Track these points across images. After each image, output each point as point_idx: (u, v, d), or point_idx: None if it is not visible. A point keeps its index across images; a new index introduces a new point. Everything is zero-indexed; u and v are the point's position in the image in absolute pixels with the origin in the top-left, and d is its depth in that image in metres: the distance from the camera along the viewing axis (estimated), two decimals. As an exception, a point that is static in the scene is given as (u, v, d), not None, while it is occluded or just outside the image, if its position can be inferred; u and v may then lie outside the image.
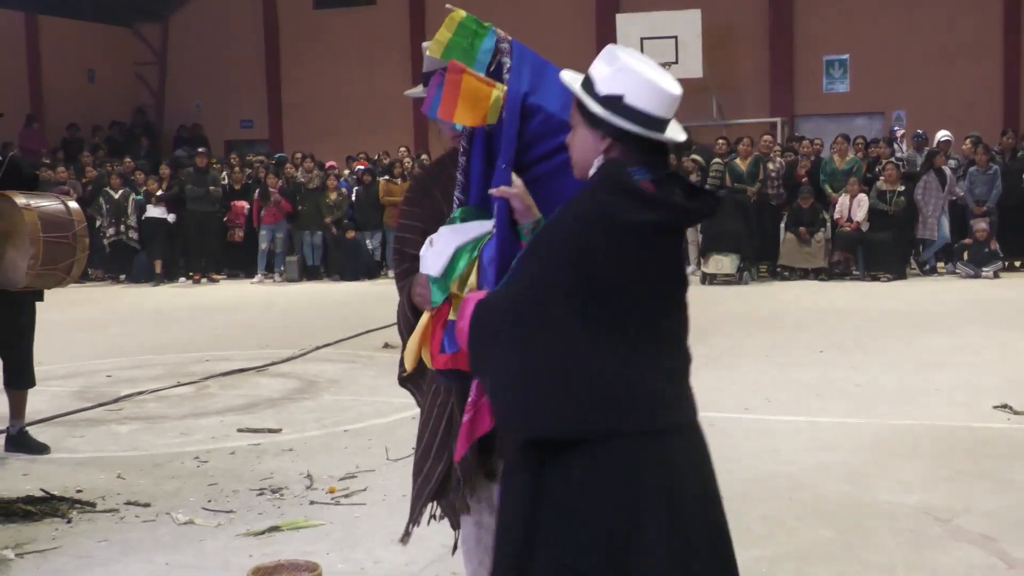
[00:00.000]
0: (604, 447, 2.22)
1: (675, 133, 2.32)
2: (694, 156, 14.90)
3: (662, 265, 2.29)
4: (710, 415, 6.09)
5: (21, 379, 5.92)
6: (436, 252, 2.64)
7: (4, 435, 6.01)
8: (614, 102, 2.27)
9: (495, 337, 2.29)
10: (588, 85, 2.33)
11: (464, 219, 2.69)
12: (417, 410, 2.99)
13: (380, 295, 13.41)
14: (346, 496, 4.96)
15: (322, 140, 20.69)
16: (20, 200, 5.41)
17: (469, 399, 2.59)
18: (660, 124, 2.29)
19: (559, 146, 2.53)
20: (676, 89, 2.31)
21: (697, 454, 2.33)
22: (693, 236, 14.90)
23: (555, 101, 2.65)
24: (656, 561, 2.19)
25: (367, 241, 15.87)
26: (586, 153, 2.35)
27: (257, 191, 16.01)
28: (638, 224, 2.22)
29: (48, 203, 5.57)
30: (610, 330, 2.22)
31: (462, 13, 2.69)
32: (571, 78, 2.39)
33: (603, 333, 2.21)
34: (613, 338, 2.22)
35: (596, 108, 2.29)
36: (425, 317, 2.70)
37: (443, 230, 2.66)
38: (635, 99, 2.27)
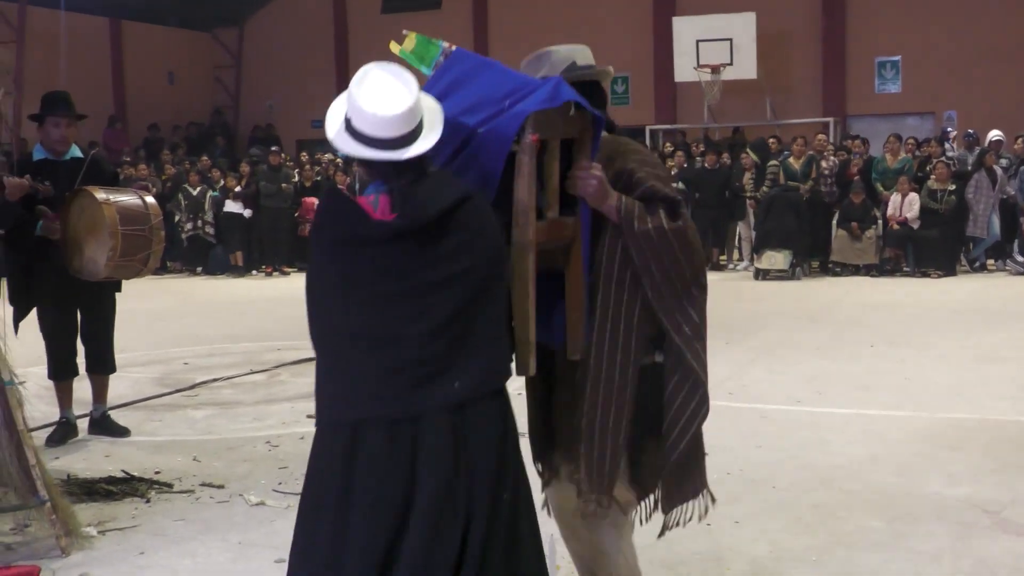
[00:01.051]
0: (324, 435, 2.50)
1: (416, 146, 2.36)
2: (747, 149, 15.07)
3: (376, 269, 2.38)
4: (762, 407, 6.28)
5: (103, 365, 6.08)
6: None
7: (88, 418, 6.17)
8: (348, 125, 2.40)
9: None
10: None
11: None
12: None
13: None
14: (407, 480, 5.09)
15: (388, 139, 21.04)
16: (100, 195, 5.52)
17: None
18: (386, 143, 2.35)
19: (457, 148, 2.55)
20: (391, 110, 2.34)
21: (424, 446, 2.39)
22: (747, 233, 14.92)
23: (458, 104, 2.61)
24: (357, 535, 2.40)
25: (429, 236, 16.09)
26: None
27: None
28: (335, 236, 2.40)
29: (126, 198, 5.68)
30: (325, 331, 2.46)
31: (414, 34, 2.95)
32: (336, 108, 2.46)
33: (323, 334, 2.47)
34: (329, 338, 2.45)
35: (330, 134, 2.41)
36: None
37: None
38: (358, 123, 2.37)
